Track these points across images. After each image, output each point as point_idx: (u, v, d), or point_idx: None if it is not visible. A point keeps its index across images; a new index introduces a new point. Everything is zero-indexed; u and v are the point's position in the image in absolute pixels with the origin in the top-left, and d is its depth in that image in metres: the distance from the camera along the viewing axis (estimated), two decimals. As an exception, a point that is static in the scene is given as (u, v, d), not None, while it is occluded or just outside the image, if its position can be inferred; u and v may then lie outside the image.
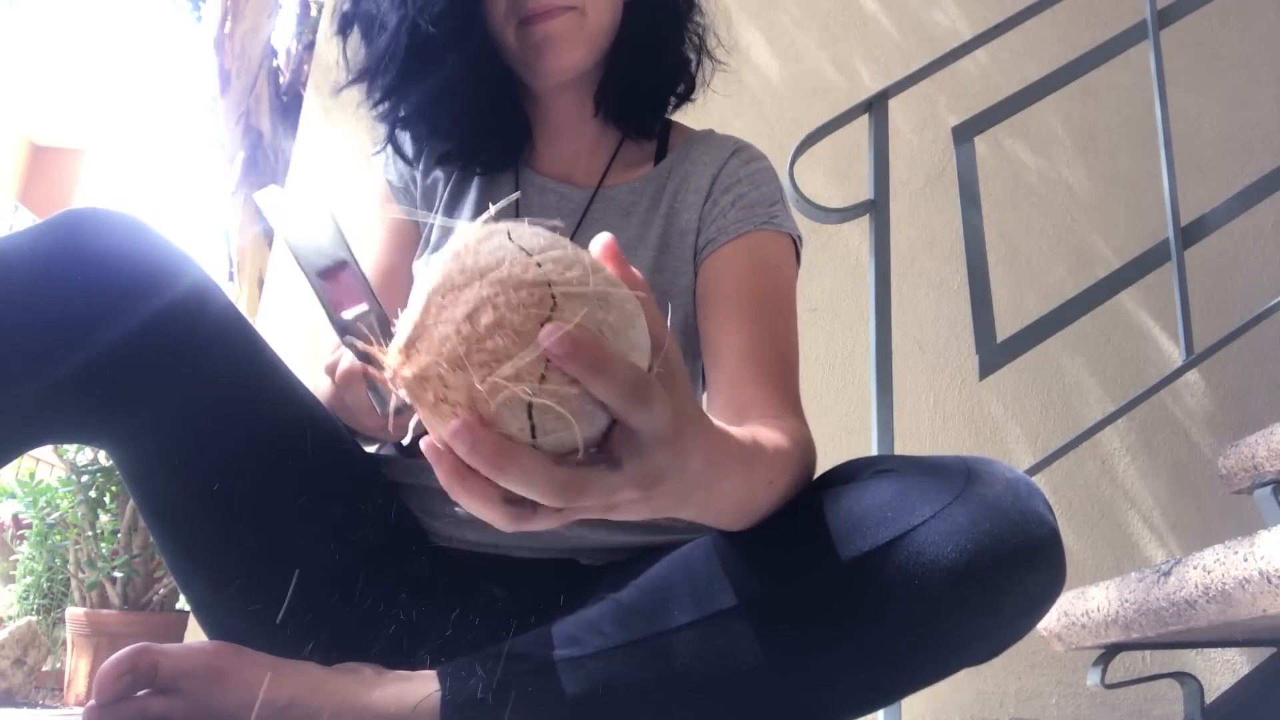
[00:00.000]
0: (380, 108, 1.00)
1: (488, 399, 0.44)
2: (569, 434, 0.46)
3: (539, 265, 0.45)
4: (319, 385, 0.89)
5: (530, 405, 0.44)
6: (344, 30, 1.00)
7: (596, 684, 0.70)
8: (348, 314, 0.70)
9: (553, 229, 0.48)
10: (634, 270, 0.49)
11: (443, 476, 0.46)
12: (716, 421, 0.57)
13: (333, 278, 0.70)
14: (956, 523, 0.66)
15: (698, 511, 0.59)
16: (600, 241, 0.49)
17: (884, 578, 0.67)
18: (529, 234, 0.47)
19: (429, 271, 0.47)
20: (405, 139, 1.06)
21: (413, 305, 0.47)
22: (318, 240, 0.72)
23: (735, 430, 0.62)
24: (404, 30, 0.93)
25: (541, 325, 0.43)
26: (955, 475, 0.69)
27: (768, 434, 0.70)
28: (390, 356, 0.47)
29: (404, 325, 0.47)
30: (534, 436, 0.45)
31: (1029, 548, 0.67)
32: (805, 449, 0.77)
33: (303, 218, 0.73)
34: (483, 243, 0.46)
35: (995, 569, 0.66)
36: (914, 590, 0.66)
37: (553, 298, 0.44)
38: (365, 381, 0.76)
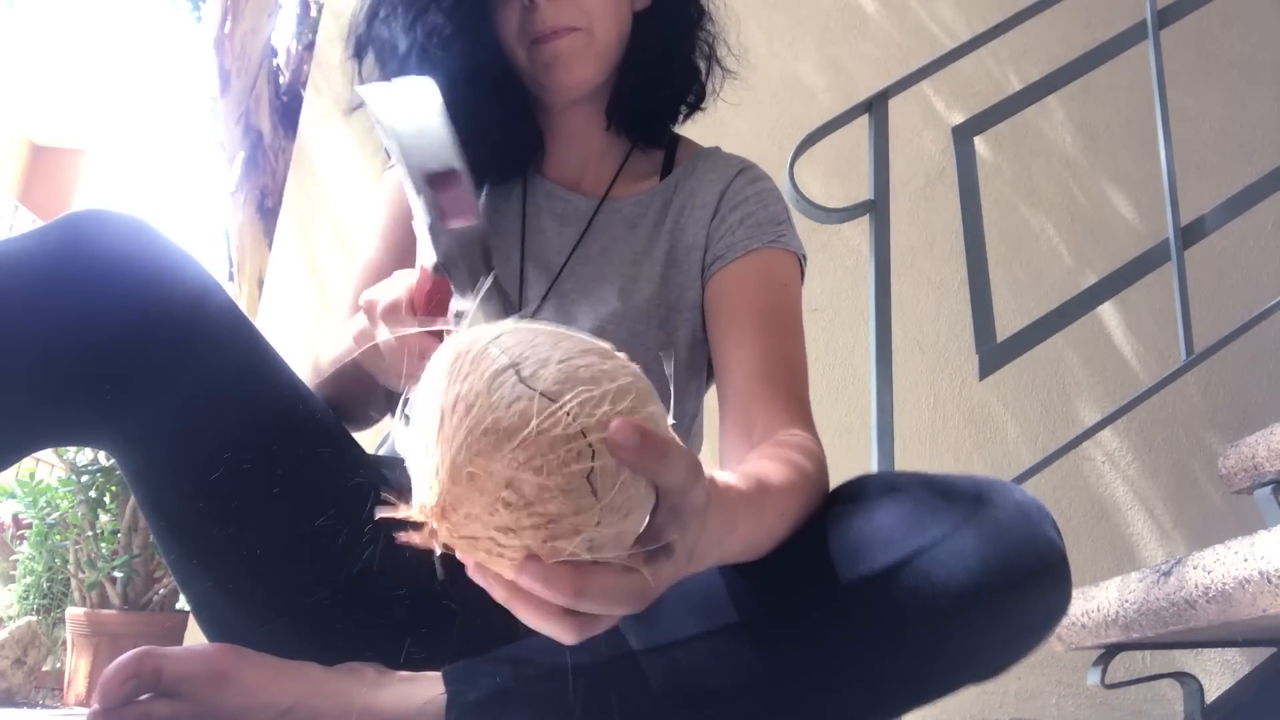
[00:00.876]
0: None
1: (549, 554, 0.43)
2: (622, 537, 0.45)
3: (569, 416, 0.43)
4: (335, 347, 0.89)
5: (597, 506, 0.43)
6: (359, 54, 1.00)
7: (600, 691, 0.70)
8: (455, 225, 0.64)
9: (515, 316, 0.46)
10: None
11: (501, 598, 0.47)
12: (719, 476, 0.58)
13: (443, 184, 0.65)
14: (966, 545, 0.66)
15: (714, 562, 0.60)
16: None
17: (891, 598, 0.67)
18: (535, 359, 0.44)
19: (432, 423, 0.44)
20: None
21: (429, 464, 0.44)
22: (430, 141, 0.66)
23: (737, 480, 0.62)
24: (414, 54, 0.94)
25: (587, 478, 0.42)
26: (965, 497, 0.69)
27: (775, 468, 0.70)
28: (422, 511, 0.44)
29: (428, 485, 0.44)
30: (589, 552, 0.44)
31: (1037, 572, 0.67)
32: (818, 471, 0.77)
33: (414, 115, 0.67)
34: (494, 390, 0.43)
35: (1003, 592, 0.66)
36: (921, 611, 0.66)
37: (590, 447, 0.43)
38: (455, 318, 0.68)
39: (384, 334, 0.73)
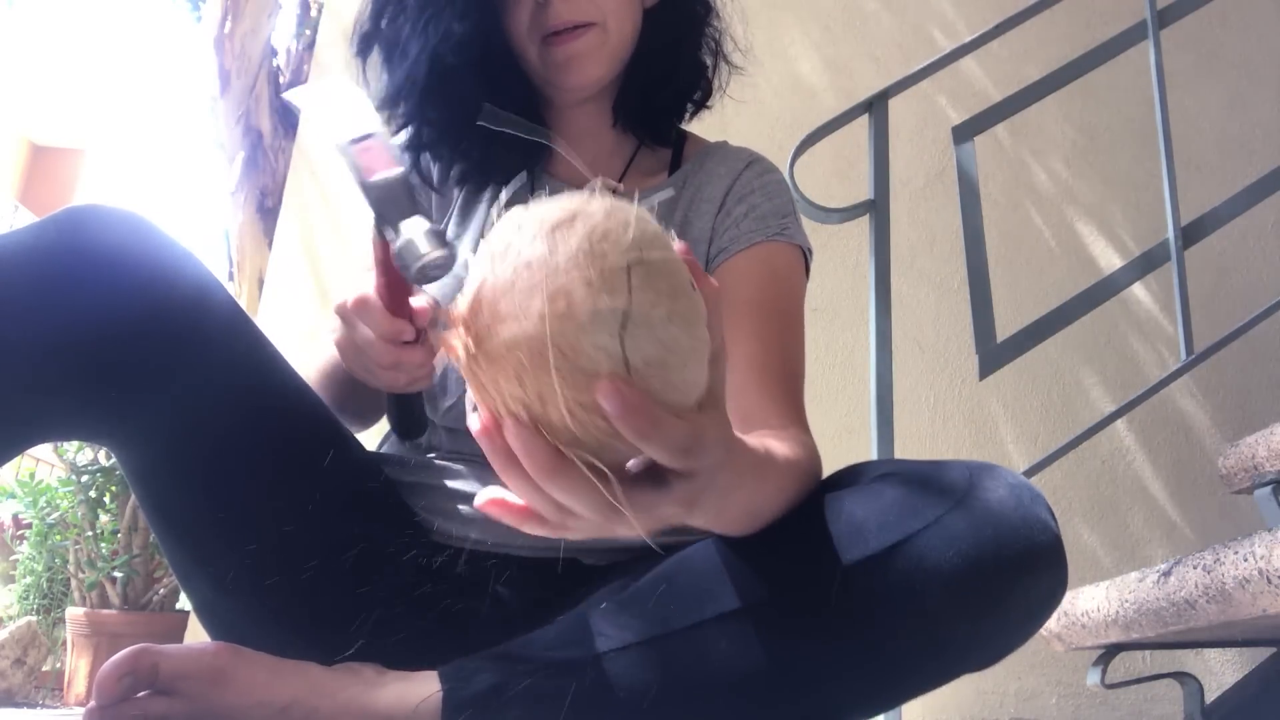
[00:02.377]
0: (402, 134, 1.01)
1: (563, 414, 0.45)
2: (658, 367, 0.46)
3: (626, 269, 0.45)
4: (325, 347, 0.89)
5: (628, 371, 0.45)
6: (363, 52, 1.00)
7: (599, 685, 0.70)
8: (378, 177, 0.70)
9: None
10: (708, 277, 0.50)
11: (493, 460, 0.48)
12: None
13: (362, 145, 0.71)
14: (959, 528, 0.66)
15: (709, 519, 0.61)
16: (679, 245, 0.50)
17: (886, 583, 0.67)
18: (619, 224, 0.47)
19: (503, 236, 0.47)
20: (426, 160, 1.06)
21: (486, 265, 0.47)
22: (346, 114, 0.73)
23: (750, 440, 0.63)
24: (424, 59, 0.94)
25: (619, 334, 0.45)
26: (958, 480, 0.69)
27: (778, 444, 0.70)
28: (458, 315, 0.47)
29: (470, 283, 0.47)
30: (626, 365, 0.46)
31: (1031, 554, 0.67)
32: (812, 460, 0.77)
33: (330, 98, 0.75)
34: (560, 230, 0.46)
35: (997, 575, 0.66)
36: (915, 596, 0.66)
37: (625, 314, 0.45)
38: (396, 256, 0.72)
39: (360, 331, 0.77)
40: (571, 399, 0.45)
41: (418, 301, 0.77)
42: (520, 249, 0.46)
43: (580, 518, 0.49)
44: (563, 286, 0.44)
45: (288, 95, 0.78)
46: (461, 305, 0.47)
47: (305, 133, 2.50)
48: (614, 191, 0.49)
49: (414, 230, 0.67)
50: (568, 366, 0.44)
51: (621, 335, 0.45)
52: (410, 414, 0.87)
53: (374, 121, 0.73)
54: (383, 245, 0.73)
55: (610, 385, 0.44)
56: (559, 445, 0.46)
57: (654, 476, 0.50)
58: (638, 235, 0.46)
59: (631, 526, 0.49)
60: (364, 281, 0.77)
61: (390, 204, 0.70)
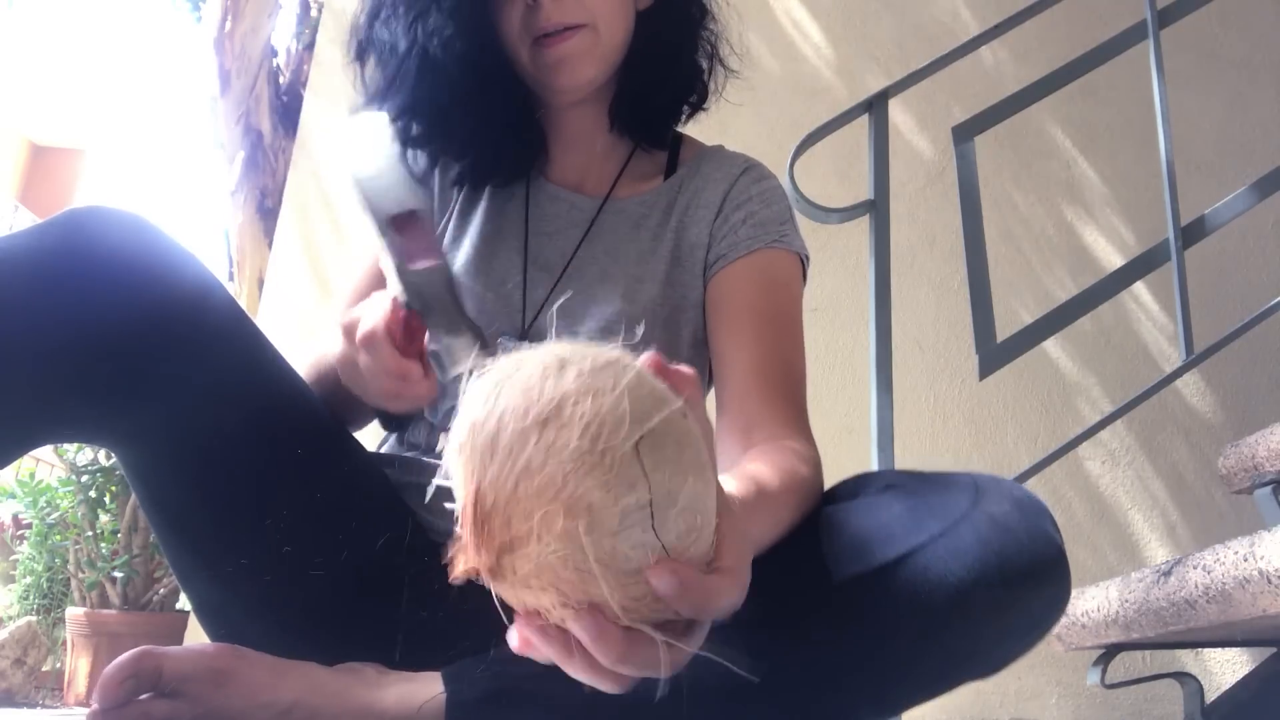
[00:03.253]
0: (393, 128, 1.01)
1: (617, 613, 0.44)
2: (689, 535, 0.45)
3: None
4: (328, 349, 0.89)
5: (647, 518, 0.43)
6: (360, 57, 1.00)
7: (598, 690, 0.70)
8: (418, 267, 0.66)
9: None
10: (682, 370, 0.49)
11: (551, 653, 0.47)
12: (724, 485, 0.57)
13: (404, 226, 0.67)
14: (964, 541, 0.66)
15: None
16: (646, 360, 0.48)
17: (890, 594, 0.67)
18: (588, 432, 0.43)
19: (461, 427, 0.44)
20: (419, 157, 1.06)
21: (476, 462, 0.43)
22: (388, 184, 0.68)
23: (735, 485, 0.63)
24: (414, 55, 0.93)
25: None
26: (963, 493, 0.69)
27: (772, 474, 0.70)
28: (463, 544, 0.45)
29: (463, 498, 0.44)
30: (664, 549, 0.44)
31: (1036, 567, 0.67)
32: (812, 475, 0.77)
33: (371, 158, 0.69)
34: (510, 380, 0.43)
35: (1001, 588, 0.66)
36: (920, 608, 0.66)
37: (649, 503, 0.43)
38: (431, 356, 0.70)
39: (364, 358, 0.75)
40: (622, 597, 0.43)
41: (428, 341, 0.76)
42: (511, 445, 0.42)
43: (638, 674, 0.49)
44: (579, 497, 0.41)
45: (333, 129, 0.75)
46: (463, 519, 0.44)
47: (305, 130, 2.50)
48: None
49: (452, 342, 0.64)
50: (611, 573, 0.43)
51: (653, 525, 0.43)
52: (400, 418, 0.86)
53: (414, 194, 0.68)
54: (408, 314, 0.70)
55: (660, 570, 0.43)
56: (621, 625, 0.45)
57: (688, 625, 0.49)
58: (632, 405, 0.43)
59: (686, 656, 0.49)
60: (375, 307, 0.74)
61: (430, 298, 0.66)
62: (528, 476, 0.42)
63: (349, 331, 0.76)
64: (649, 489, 0.43)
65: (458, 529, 0.45)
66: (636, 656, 0.46)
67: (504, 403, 0.43)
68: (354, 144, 0.71)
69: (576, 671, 0.48)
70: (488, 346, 0.65)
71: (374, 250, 0.69)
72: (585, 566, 0.42)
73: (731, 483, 0.62)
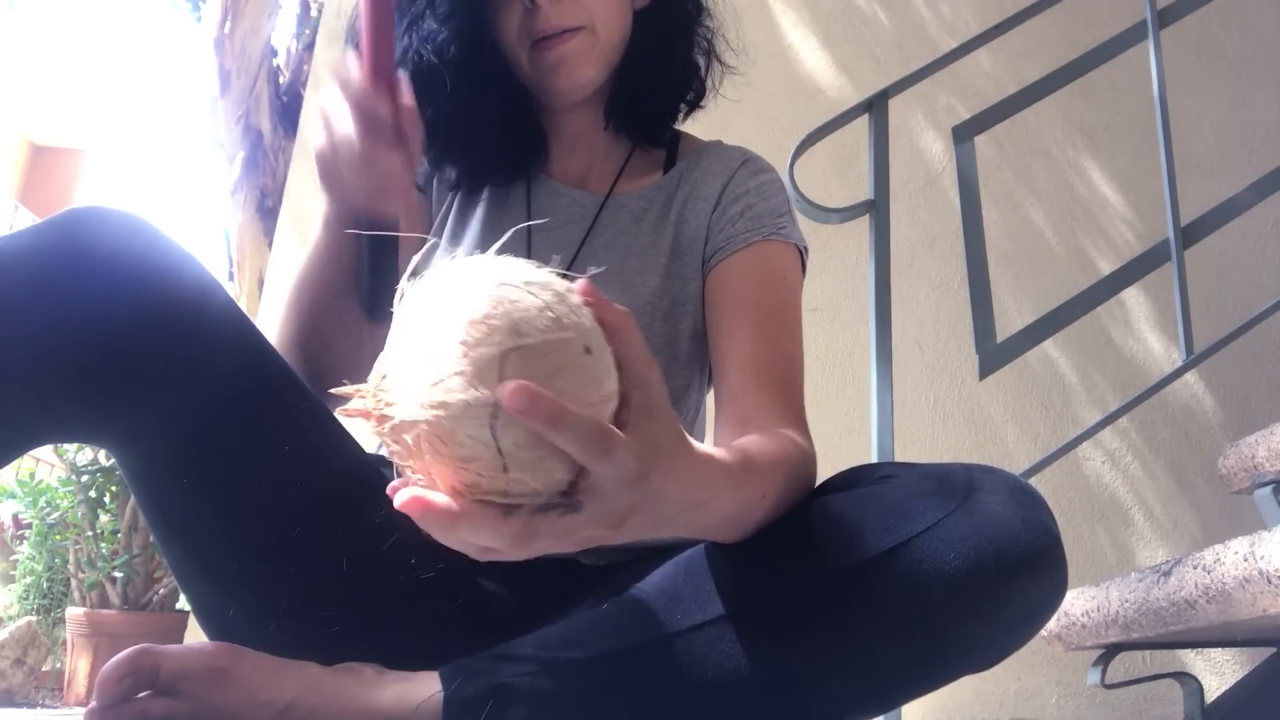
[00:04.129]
0: None
1: (450, 490, 0.49)
2: (533, 483, 0.49)
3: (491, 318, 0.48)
4: (299, 267, 0.91)
5: (501, 457, 0.48)
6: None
7: (598, 686, 0.70)
8: None
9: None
10: (615, 306, 0.51)
11: (414, 515, 0.50)
12: (698, 446, 0.58)
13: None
14: (959, 530, 0.66)
15: (685, 531, 0.61)
16: (578, 285, 0.51)
17: (886, 584, 0.67)
18: (510, 273, 0.50)
19: (405, 314, 0.50)
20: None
21: (395, 333, 0.50)
22: None
23: (721, 451, 0.63)
24: (408, 60, 0.94)
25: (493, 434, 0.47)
26: (958, 482, 0.69)
27: (761, 446, 0.70)
28: (370, 392, 0.50)
29: (382, 354, 0.50)
30: (501, 457, 0.48)
31: (1031, 556, 0.67)
32: (805, 460, 0.77)
33: None
34: (467, 291, 0.49)
35: (997, 577, 0.66)
36: (915, 597, 0.66)
37: (495, 406, 0.47)
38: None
39: (340, 128, 0.78)
40: (454, 479, 0.49)
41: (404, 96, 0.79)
42: (416, 327, 0.49)
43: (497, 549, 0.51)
44: (440, 380, 0.47)
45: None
46: (371, 373, 0.51)
47: (305, 130, 2.50)
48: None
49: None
50: (447, 454, 0.48)
51: (493, 425, 0.47)
52: (383, 277, 0.85)
53: None
54: (371, 29, 0.75)
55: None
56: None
57: (565, 505, 0.51)
58: (518, 319, 0.48)
59: (552, 549, 0.51)
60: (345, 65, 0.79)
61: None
62: (415, 352, 0.48)
63: (324, 109, 0.79)
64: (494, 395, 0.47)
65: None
66: (465, 523, 0.49)
67: (426, 287, 0.50)
68: None
69: (428, 529, 0.50)
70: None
71: None
72: (423, 439, 0.48)
73: (714, 450, 0.62)
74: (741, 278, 0.94)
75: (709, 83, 1.07)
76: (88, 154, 10.12)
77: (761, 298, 0.93)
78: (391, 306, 0.87)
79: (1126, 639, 1.33)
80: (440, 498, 0.49)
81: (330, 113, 0.79)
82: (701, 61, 1.06)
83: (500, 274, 0.49)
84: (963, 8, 2.48)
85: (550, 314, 0.48)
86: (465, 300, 0.48)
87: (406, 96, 0.79)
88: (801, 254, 0.99)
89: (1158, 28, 1.79)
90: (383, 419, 0.49)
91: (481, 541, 0.50)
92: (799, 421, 0.86)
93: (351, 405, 0.51)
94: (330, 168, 0.81)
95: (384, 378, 0.50)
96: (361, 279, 0.86)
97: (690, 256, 0.98)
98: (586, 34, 0.95)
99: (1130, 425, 2.17)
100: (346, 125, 0.77)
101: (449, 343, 0.47)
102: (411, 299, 0.51)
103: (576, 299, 0.50)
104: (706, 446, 0.61)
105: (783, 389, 0.87)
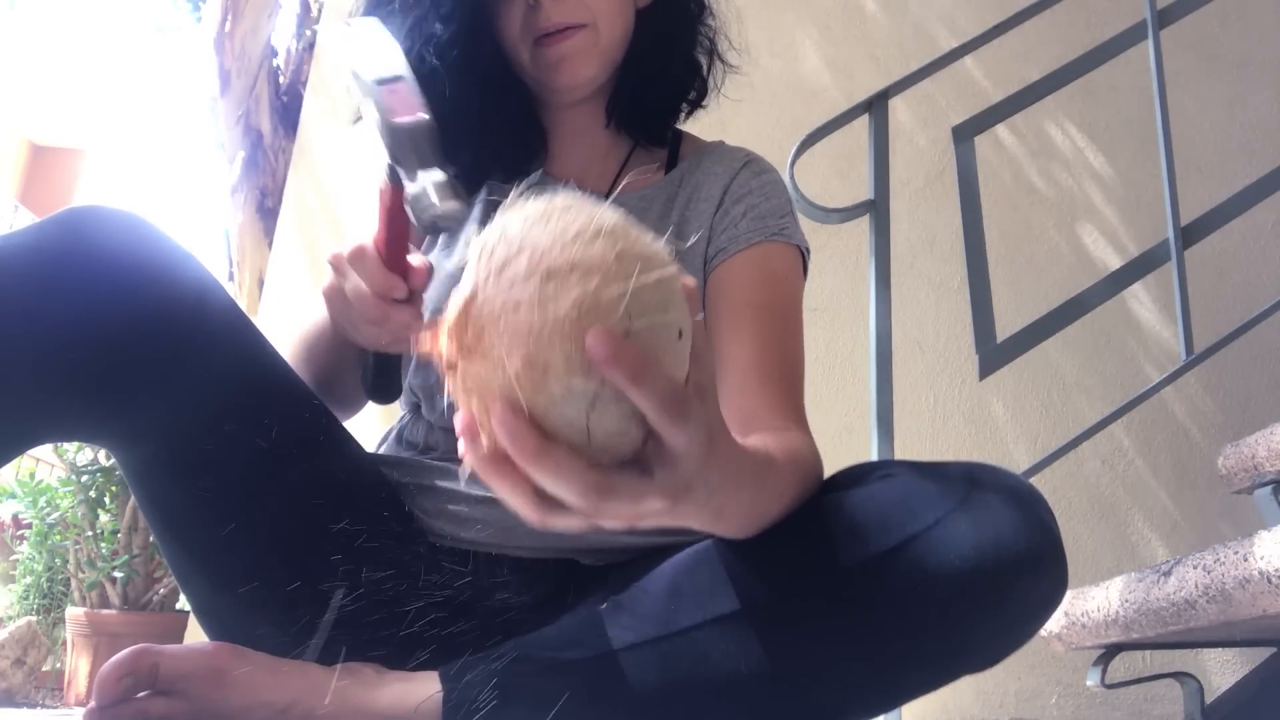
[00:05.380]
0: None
1: (542, 391, 0.45)
2: (618, 437, 0.47)
3: (617, 255, 0.45)
4: (312, 319, 0.89)
5: (588, 434, 0.46)
6: None
7: (599, 686, 0.70)
8: (403, 120, 0.70)
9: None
10: (690, 279, 0.50)
11: (475, 459, 0.47)
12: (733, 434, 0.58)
13: (390, 87, 0.71)
14: (959, 529, 0.66)
15: (708, 522, 0.60)
16: (679, 274, 0.49)
17: (886, 583, 0.67)
18: (601, 215, 0.47)
19: (487, 237, 0.47)
20: None
21: (481, 273, 0.46)
22: (376, 54, 0.73)
23: (749, 443, 0.63)
24: (413, 55, 0.93)
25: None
26: (959, 481, 0.69)
27: (782, 446, 0.71)
28: (444, 327, 0.47)
29: (461, 292, 0.47)
30: (588, 436, 0.46)
31: (1032, 555, 0.67)
32: (816, 463, 0.77)
33: (362, 37, 0.75)
34: (551, 221, 0.46)
35: (998, 575, 0.66)
36: (916, 596, 0.66)
37: (595, 396, 0.45)
38: (410, 202, 0.72)
39: (351, 282, 0.76)
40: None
41: (415, 260, 0.76)
42: (514, 279, 0.45)
43: (565, 509, 0.48)
44: (541, 356, 0.44)
45: (321, 28, 0.79)
46: (451, 313, 0.47)
47: (305, 130, 2.50)
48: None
49: (431, 180, 0.67)
50: (543, 415, 0.46)
51: (588, 413, 0.46)
52: (385, 374, 0.86)
53: (403, 65, 0.72)
54: (392, 192, 0.73)
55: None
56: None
57: (639, 468, 0.49)
58: (630, 304, 0.45)
59: (616, 516, 0.49)
60: (363, 230, 0.76)
61: (411, 150, 0.69)
62: (514, 312, 0.45)
63: (336, 261, 0.77)
64: (601, 383, 0.45)
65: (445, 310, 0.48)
66: (550, 461, 0.46)
67: (533, 237, 0.46)
68: (348, 29, 0.76)
69: (495, 479, 0.48)
70: (463, 197, 0.68)
71: (361, 110, 0.73)
72: (518, 406, 0.45)
73: (749, 445, 0.62)
74: (744, 278, 0.94)
75: (711, 82, 1.07)
76: (88, 154, 10.12)
77: (763, 298, 0.93)
78: (394, 397, 0.88)
79: (1126, 639, 1.33)
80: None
81: (342, 270, 0.77)
82: (703, 60, 1.06)
83: (615, 242, 0.46)
84: (963, 8, 2.48)
85: (659, 295, 0.46)
86: (581, 271, 0.45)
87: (420, 262, 0.76)
88: (803, 255, 0.99)
89: (1158, 28, 1.79)
90: (463, 356, 0.46)
91: (559, 487, 0.47)
92: (800, 420, 0.86)
93: (424, 344, 0.48)
94: (340, 311, 0.79)
95: (465, 319, 0.46)
96: (365, 371, 0.87)
97: (691, 257, 0.98)
98: (588, 31, 0.95)
99: (1130, 425, 2.17)
100: (358, 286, 0.75)
101: (557, 316, 0.44)
102: (515, 227, 0.46)
103: (675, 280, 0.48)
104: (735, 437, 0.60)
105: (784, 388, 0.88)
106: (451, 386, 0.48)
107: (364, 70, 0.71)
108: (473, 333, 0.46)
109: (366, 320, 0.76)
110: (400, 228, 0.74)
